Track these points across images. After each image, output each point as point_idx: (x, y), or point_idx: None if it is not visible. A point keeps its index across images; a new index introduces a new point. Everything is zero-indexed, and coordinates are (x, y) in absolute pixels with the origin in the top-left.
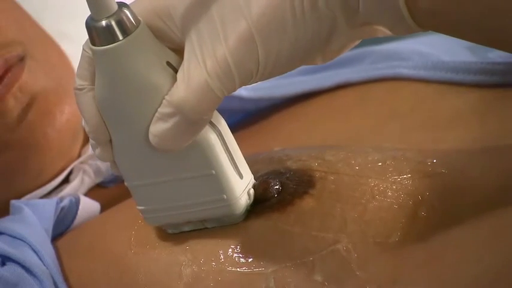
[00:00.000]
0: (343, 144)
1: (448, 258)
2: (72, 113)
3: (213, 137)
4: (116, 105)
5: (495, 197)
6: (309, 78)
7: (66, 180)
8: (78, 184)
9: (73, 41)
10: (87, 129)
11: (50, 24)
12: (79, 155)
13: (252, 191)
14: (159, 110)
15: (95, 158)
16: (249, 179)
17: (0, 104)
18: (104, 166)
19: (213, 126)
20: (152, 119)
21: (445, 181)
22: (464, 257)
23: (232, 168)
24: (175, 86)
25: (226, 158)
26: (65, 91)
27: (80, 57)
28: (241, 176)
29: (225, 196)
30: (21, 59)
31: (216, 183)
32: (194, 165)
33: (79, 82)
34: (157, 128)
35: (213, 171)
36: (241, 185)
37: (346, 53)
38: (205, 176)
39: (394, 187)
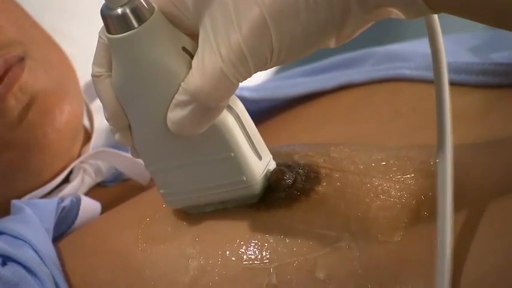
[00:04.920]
0: None
1: None
2: (72, 113)
3: (230, 120)
4: (133, 92)
5: (498, 197)
6: (311, 79)
7: (66, 180)
8: (79, 184)
9: (73, 41)
10: (105, 116)
11: (50, 23)
12: (79, 155)
13: (269, 172)
14: (175, 97)
15: (95, 158)
16: (267, 159)
17: (0, 104)
18: (104, 165)
19: (231, 109)
20: (169, 104)
21: None
22: (466, 257)
23: (250, 150)
24: (190, 73)
25: (245, 140)
26: (65, 91)
27: (84, 54)
28: (259, 157)
29: (244, 178)
30: (22, 59)
31: (235, 165)
32: (213, 148)
33: (96, 69)
34: (174, 114)
35: (232, 154)
36: (260, 166)
37: (349, 54)
38: (225, 158)
39: (398, 186)
